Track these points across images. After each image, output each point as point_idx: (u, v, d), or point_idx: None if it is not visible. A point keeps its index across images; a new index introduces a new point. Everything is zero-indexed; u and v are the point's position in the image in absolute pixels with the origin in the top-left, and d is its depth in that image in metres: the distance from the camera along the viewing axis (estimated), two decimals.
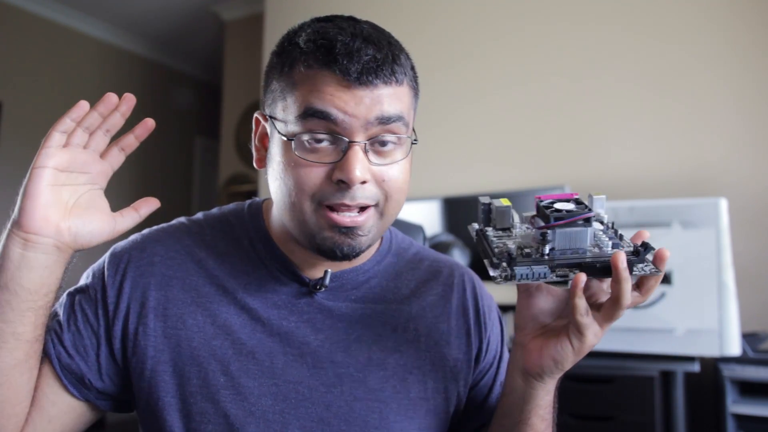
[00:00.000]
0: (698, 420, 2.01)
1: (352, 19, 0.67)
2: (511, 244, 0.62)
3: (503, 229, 0.65)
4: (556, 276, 0.58)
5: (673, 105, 2.31)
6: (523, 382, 0.66)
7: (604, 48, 2.45)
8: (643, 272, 0.58)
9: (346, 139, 0.62)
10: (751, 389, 1.86)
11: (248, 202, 0.79)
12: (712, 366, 1.88)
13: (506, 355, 0.83)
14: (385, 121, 0.63)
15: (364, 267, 0.75)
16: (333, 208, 0.64)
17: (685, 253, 1.80)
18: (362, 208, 0.65)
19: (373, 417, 0.69)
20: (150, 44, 4.69)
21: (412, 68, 0.69)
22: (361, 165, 0.62)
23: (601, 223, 0.64)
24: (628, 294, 0.57)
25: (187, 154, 5.09)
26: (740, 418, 1.75)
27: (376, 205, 0.66)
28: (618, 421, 1.81)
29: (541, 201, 0.61)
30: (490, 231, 0.65)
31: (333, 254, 0.65)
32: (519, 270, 0.58)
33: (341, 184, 0.62)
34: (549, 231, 0.58)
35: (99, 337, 0.69)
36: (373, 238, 0.67)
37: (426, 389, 0.73)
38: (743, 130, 2.19)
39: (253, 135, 0.73)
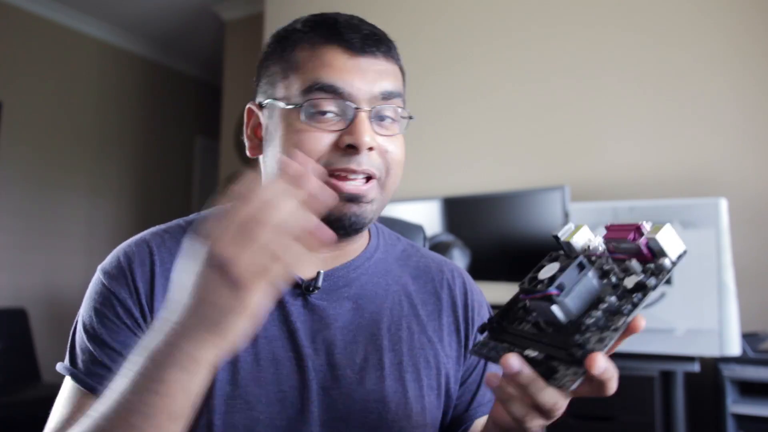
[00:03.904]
0: (698, 420, 2.01)
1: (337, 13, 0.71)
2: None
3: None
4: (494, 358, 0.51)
5: (673, 105, 2.31)
6: (492, 426, 0.60)
7: (605, 48, 2.45)
8: (558, 383, 0.47)
9: (353, 106, 0.65)
10: (751, 389, 1.86)
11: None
12: (712, 366, 1.88)
13: None
14: (387, 96, 0.67)
15: (354, 263, 0.74)
16: (338, 177, 0.65)
17: None
18: (366, 179, 0.66)
19: (371, 417, 0.69)
20: (150, 44, 4.69)
21: (400, 57, 0.73)
22: (369, 131, 0.65)
23: (652, 273, 0.50)
24: (544, 400, 0.48)
25: (187, 154, 5.09)
26: (740, 418, 1.75)
27: (378, 178, 0.67)
28: (618, 421, 1.81)
29: (607, 240, 0.52)
30: (546, 267, 0.52)
31: (340, 224, 0.65)
32: (478, 344, 0.53)
33: (349, 149, 0.64)
34: (527, 300, 0.52)
35: None
36: (375, 212, 0.69)
37: (421, 387, 0.73)
38: (743, 130, 2.19)
39: (245, 127, 0.73)
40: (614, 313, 0.48)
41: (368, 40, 0.67)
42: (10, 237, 3.82)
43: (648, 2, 2.40)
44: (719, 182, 2.18)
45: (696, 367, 1.77)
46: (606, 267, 0.51)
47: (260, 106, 0.72)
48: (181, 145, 5.03)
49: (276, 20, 3.32)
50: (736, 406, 1.76)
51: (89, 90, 4.30)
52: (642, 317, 0.48)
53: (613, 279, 0.51)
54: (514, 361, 0.48)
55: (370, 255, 0.76)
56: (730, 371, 1.77)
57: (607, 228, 0.52)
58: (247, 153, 0.73)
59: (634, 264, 0.50)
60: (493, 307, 0.86)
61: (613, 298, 0.49)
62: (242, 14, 4.14)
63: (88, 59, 4.33)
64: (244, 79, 4.05)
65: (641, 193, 2.26)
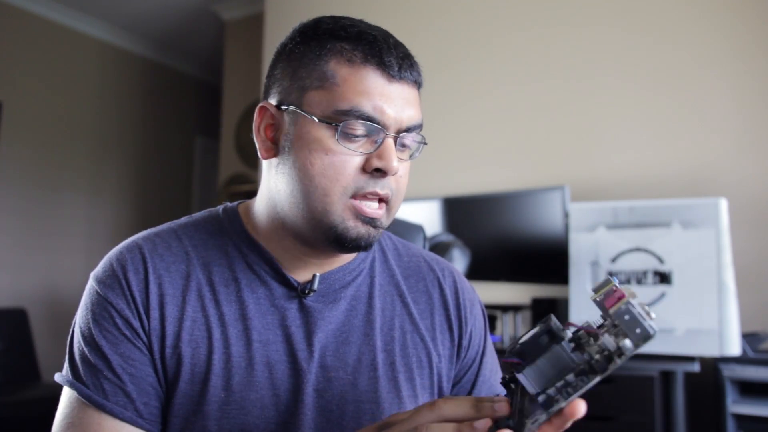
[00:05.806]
0: (698, 420, 2.01)
1: (363, 21, 0.69)
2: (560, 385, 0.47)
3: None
4: None
5: (673, 105, 2.31)
6: None
7: (605, 48, 2.45)
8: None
9: (385, 132, 0.65)
10: (751, 389, 1.86)
11: (221, 207, 0.77)
12: (712, 366, 1.88)
13: (490, 350, 0.82)
14: (412, 128, 0.68)
15: (350, 266, 0.74)
16: (358, 198, 0.66)
17: (685, 253, 1.80)
18: (379, 201, 0.67)
19: (365, 419, 0.69)
20: (150, 44, 4.69)
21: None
22: (396, 156, 0.66)
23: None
24: None
25: (187, 154, 5.09)
26: (740, 418, 1.75)
27: (388, 201, 0.68)
28: (618, 421, 1.81)
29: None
30: (567, 339, 0.48)
31: (354, 243, 0.66)
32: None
33: (376, 173, 0.65)
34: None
35: (152, 369, 0.67)
36: (381, 233, 0.69)
37: (414, 387, 0.73)
38: (743, 130, 2.19)
39: (256, 125, 0.71)
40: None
41: (404, 63, 0.66)
42: (10, 237, 3.82)
43: (648, 2, 2.40)
44: (719, 182, 2.18)
45: (696, 367, 1.77)
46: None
47: (278, 108, 0.69)
48: (181, 145, 5.03)
49: (276, 20, 3.32)
50: (736, 406, 1.76)
51: (89, 90, 4.30)
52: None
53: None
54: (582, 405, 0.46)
55: (364, 257, 0.76)
56: (730, 371, 1.77)
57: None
58: (260, 154, 0.70)
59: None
60: (489, 306, 0.85)
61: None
62: (242, 14, 4.15)
63: (88, 59, 4.33)
64: (244, 79, 4.05)
65: (641, 193, 2.26)
